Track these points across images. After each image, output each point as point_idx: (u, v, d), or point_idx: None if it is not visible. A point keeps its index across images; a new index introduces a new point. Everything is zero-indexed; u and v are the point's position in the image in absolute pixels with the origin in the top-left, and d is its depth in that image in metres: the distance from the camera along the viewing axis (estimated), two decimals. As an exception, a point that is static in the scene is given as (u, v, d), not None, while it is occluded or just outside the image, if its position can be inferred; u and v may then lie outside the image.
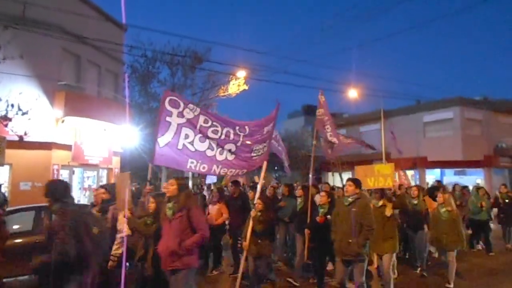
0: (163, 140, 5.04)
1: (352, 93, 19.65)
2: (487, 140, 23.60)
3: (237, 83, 18.97)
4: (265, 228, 5.93)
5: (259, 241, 5.85)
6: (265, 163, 5.84)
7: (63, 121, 12.58)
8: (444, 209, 6.79)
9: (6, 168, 11.21)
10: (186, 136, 5.18)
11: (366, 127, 27.50)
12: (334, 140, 8.61)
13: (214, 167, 5.40)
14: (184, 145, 5.17)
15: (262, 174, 6.15)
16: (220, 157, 5.41)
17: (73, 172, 13.77)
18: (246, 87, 19.12)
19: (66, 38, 12.23)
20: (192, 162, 5.25)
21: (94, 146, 14.03)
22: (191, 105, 5.24)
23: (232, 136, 5.45)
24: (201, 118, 5.23)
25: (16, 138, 9.45)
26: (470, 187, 13.28)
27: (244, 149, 5.58)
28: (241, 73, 17.54)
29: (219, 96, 19.87)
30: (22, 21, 10.74)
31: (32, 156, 11.77)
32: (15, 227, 6.85)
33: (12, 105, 8.96)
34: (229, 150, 5.46)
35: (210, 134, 5.31)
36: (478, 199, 10.12)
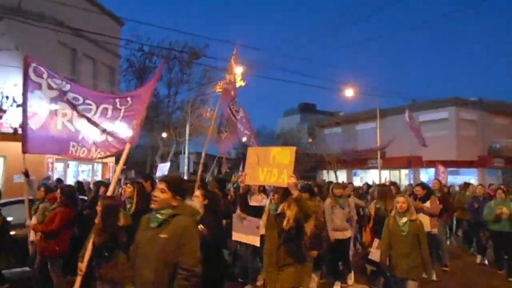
0: (37, 121, 4.10)
1: (349, 92, 19.71)
2: (481, 140, 23.78)
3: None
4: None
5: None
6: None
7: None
8: (404, 219, 4.68)
9: (0, 160, 11.14)
10: (64, 114, 4.22)
11: (362, 125, 27.58)
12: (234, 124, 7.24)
13: (93, 150, 4.41)
14: (63, 124, 4.23)
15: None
16: (100, 138, 4.40)
17: (68, 166, 13.72)
18: (243, 83, 18.97)
19: (62, 30, 12.14)
20: (73, 146, 4.29)
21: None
22: (57, 78, 4.29)
23: (110, 112, 4.38)
24: (70, 95, 4.23)
25: (11, 130, 9.39)
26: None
27: (129, 122, 4.38)
28: (238, 69, 17.48)
29: (215, 92, 19.83)
30: (18, 12, 10.65)
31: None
32: (8, 219, 6.81)
33: (7, 97, 8.90)
34: (106, 131, 4.41)
35: (83, 113, 4.29)
36: (498, 203, 7.33)
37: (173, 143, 21.18)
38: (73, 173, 14.29)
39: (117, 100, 4.40)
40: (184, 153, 19.53)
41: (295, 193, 3.59)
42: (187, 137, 18.01)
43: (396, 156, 24.30)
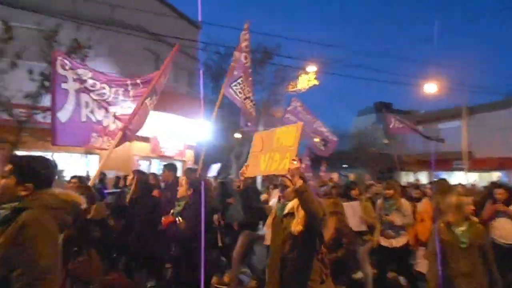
0: (64, 114, 4.17)
1: (430, 87, 18.42)
2: None
3: (307, 78, 18.76)
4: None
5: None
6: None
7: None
8: (462, 227, 3.52)
9: (96, 157, 12.31)
10: (87, 105, 4.30)
11: (445, 124, 25.64)
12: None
13: (105, 139, 4.42)
14: (87, 116, 4.31)
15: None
16: (112, 127, 4.42)
17: (151, 163, 14.71)
18: (316, 82, 18.82)
19: (147, 37, 13.06)
20: (93, 137, 4.36)
21: (169, 139, 14.84)
22: (81, 68, 4.34)
23: (121, 95, 4.42)
24: (90, 82, 4.29)
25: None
26: None
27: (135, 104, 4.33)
28: (312, 68, 17.31)
29: (288, 92, 19.84)
30: (110, 22, 11.69)
31: (117, 148, 12.76)
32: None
33: (101, 99, 9.78)
34: (116, 117, 4.40)
35: (99, 101, 4.35)
36: None
37: (247, 143, 21.62)
38: (157, 170, 15.29)
39: (128, 82, 4.47)
40: (258, 152, 19.86)
41: (297, 182, 2.73)
42: (260, 137, 18.24)
43: (485, 157, 22.17)
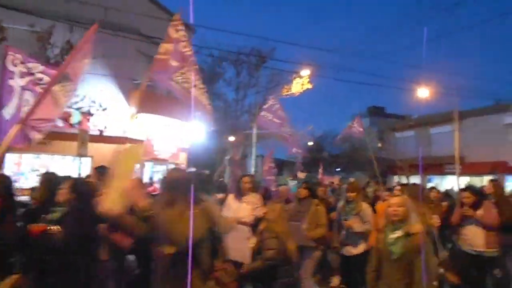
0: (8, 111, 4.02)
1: (423, 92, 18.57)
2: None
3: (301, 82, 18.86)
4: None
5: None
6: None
7: (136, 117, 13.43)
8: (395, 234, 3.13)
9: (88, 159, 12.23)
10: (27, 102, 4.15)
11: (438, 129, 25.86)
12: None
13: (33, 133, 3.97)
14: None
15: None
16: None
17: (144, 166, 14.63)
18: (310, 86, 18.95)
19: (140, 39, 13.04)
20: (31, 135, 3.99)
21: (163, 142, 14.79)
22: (32, 62, 4.20)
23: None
24: (38, 76, 4.16)
25: (97, 133, 10.27)
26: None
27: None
28: (305, 72, 17.40)
29: (282, 96, 19.93)
30: (103, 24, 11.66)
31: (110, 150, 12.68)
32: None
33: (94, 101, 9.75)
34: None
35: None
36: None
37: (241, 146, 21.65)
38: (150, 174, 15.23)
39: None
40: (251, 156, 19.89)
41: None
42: (254, 140, 18.31)
43: (477, 161, 22.40)
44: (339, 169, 31.97)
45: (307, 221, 5.18)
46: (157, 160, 15.01)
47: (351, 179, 13.42)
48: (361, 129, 10.71)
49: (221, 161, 23.96)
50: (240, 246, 4.43)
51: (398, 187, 7.03)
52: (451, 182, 22.29)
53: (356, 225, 5.13)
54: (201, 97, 5.49)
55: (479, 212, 5.05)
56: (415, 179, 25.80)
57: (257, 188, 5.90)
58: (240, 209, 5.07)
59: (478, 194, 5.24)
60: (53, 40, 8.94)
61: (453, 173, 21.23)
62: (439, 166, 23.84)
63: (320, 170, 19.86)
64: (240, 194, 5.23)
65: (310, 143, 31.56)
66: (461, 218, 5.18)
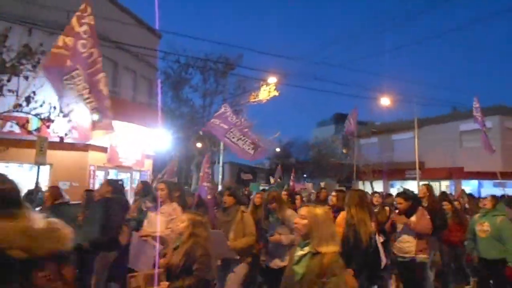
0: None
1: (385, 101, 19.30)
2: (528, 151, 22.46)
3: (268, 89, 19.08)
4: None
5: None
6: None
7: (100, 124, 13.05)
8: (301, 251, 2.74)
9: (47, 168, 11.73)
10: None
11: (399, 135, 26.86)
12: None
13: None
14: None
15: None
16: None
17: (108, 174, 14.23)
18: (276, 93, 19.20)
19: (104, 44, 12.72)
20: None
21: (128, 149, 14.47)
22: None
23: None
24: None
25: (57, 139, 9.89)
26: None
27: None
28: (272, 79, 17.62)
29: (249, 102, 20.05)
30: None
31: (70, 157, 12.27)
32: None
33: (54, 107, 9.37)
34: None
35: None
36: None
37: (208, 153, 21.52)
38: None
39: None
40: (219, 163, 19.80)
41: None
42: (221, 147, 18.26)
43: (436, 167, 23.42)
44: (305, 175, 32.42)
45: (232, 230, 4.66)
46: (121, 168, 14.64)
47: (322, 184, 13.63)
48: (352, 125, 11.37)
49: (188, 167, 23.69)
50: (144, 259, 4.05)
51: (334, 193, 6.81)
52: (412, 187, 23.17)
53: (284, 237, 4.60)
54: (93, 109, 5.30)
55: (413, 218, 4.88)
56: (378, 184, 26.65)
57: (182, 196, 5.30)
58: (154, 221, 4.44)
59: (411, 200, 5.07)
60: (9, 43, 8.53)
61: (413, 178, 22.15)
62: (401, 172, 24.73)
63: (292, 177, 20.03)
64: (155, 204, 4.61)
65: (278, 150, 31.87)
66: (392, 224, 5.07)
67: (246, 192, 14.74)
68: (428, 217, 5.01)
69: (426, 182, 22.51)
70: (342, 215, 4.56)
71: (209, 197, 6.39)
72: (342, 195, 5.96)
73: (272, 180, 20.16)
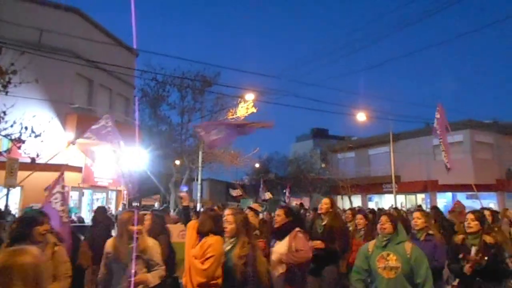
0: None
1: (361, 116, 19.69)
2: (498, 164, 23.28)
3: (246, 106, 19.17)
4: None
5: None
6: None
7: (74, 144, 12.77)
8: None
9: (17, 190, 11.34)
10: None
11: (375, 149, 27.37)
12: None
13: None
14: None
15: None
16: None
17: (83, 194, 13.88)
18: (254, 110, 19.30)
19: (80, 63, 12.59)
20: None
21: (103, 168, 14.18)
22: None
23: None
24: None
25: (29, 160, 9.60)
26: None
27: None
28: (250, 96, 17.74)
29: (227, 119, 20.07)
30: (38, 46, 11.11)
31: (43, 178, 11.89)
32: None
33: (26, 128, 9.14)
34: None
35: None
36: None
37: (187, 170, 21.30)
38: (88, 201, 14.44)
39: None
40: (197, 180, 19.60)
41: None
42: (200, 164, 18.12)
43: (411, 180, 23.91)
44: (285, 191, 32.49)
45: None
46: (97, 188, 14.32)
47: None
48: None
49: (166, 185, 23.37)
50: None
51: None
52: (389, 200, 23.55)
53: (142, 276, 3.43)
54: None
55: (283, 242, 4.00)
56: (356, 199, 26.96)
57: None
58: None
59: (292, 216, 4.20)
60: (-22, 63, 8.33)
61: (390, 192, 22.56)
62: (378, 186, 25.13)
63: (287, 192, 19.54)
64: None
65: (257, 165, 31.90)
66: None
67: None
68: (307, 242, 4.04)
69: (402, 196, 22.87)
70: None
71: (65, 220, 4.95)
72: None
73: (267, 195, 19.71)
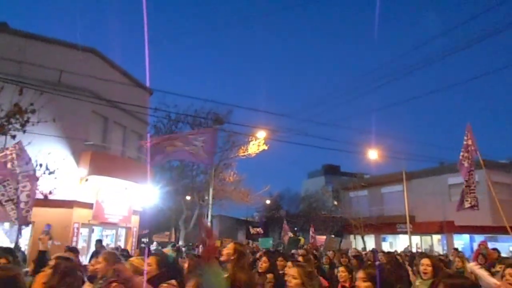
0: None
1: (373, 154, 19.55)
2: (517, 204, 22.58)
3: (257, 143, 19.28)
4: None
5: None
6: None
7: (86, 180, 12.90)
8: None
9: (29, 226, 11.36)
10: None
11: (388, 188, 26.92)
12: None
13: None
14: None
15: None
16: None
17: (93, 231, 13.82)
18: (265, 147, 19.39)
19: (96, 101, 12.94)
20: None
21: (114, 205, 14.18)
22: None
23: None
24: None
25: (41, 197, 9.69)
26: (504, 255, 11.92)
27: None
28: (261, 134, 17.88)
29: (238, 156, 20.15)
30: (57, 86, 11.51)
31: (54, 214, 11.95)
32: None
33: (41, 165, 9.30)
34: None
35: None
36: None
37: (197, 207, 21.19)
38: (98, 237, 14.33)
39: None
40: (207, 216, 19.44)
41: None
42: (210, 201, 18.02)
43: (426, 220, 23.29)
44: (296, 228, 31.88)
45: None
46: (107, 224, 14.26)
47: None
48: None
49: (176, 221, 23.16)
50: None
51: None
52: (404, 241, 22.86)
53: None
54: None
55: None
56: (370, 238, 26.23)
57: None
58: None
59: (164, 267, 3.70)
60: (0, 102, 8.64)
61: (405, 232, 21.94)
62: (392, 225, 24.50)
63: (312, 231, 18.67)
64: None
65: (268, 202, 31.58)
66: None
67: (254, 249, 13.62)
68: None
69: (417, 236, 22.13)
70: None
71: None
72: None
73: (290, 235, 18.06)
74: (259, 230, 21.72)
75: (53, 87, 11.13)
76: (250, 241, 21.59)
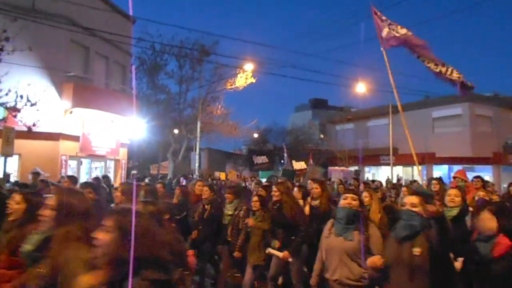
0: None
1: (360, 88, 19.53)
2: (496, 137, 23.33)
3: (245, 76, 18.94)
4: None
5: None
6: None
7: (71, 112, 12.69)
8: None
9: (15, 158, 11.35)
10: None
11: (374, 121, 27.32)
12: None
13: None
14: None
15: None
16: None
17: (81, 163, 13.92)
18: (253, 80, 19.11)
19: (75, 29, 12.27)
20: None
21: (101, 138, 14.15)
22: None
23: None
24: None
25: (25, 129, 9.55)
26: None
27: None
28: (249, 66, 17.50)
29: (226, 89, 19.89)
30: (31, 12, 10.80)
31: (40, 147, 11.91)
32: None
33: (21, 96, 9.04)
34: None
35: None
36: None
37: (185, 140, 21.32)
38: (86, 169, 14.50)
39: None
40: (195, 150, 19.66)
41: None
42: (198, 134, 18.11)
43: (408, 152, 23.93)
44: (283, 161, 32.69)
45: None
46: (95, 157, 14.34)
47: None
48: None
49: (164, 154, 23.42)
50: None
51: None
52: (386, 172, 23.76)
53: None
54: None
55: None
56: (353, 169, 27.16)
57: None
58: None
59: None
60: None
61: (387, 164, 22.71)
62: (375, 157, 25.26)
63: (310, 162, 16.36)
64: None
65: (255, 136, 31.92)
66: None
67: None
68: None
69: (400, 167, 22.89)
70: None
71: None
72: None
73: (300, 165, 16.44)
74: (264, 158, 20.09)
75: (27, 13, 10.46)
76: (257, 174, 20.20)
